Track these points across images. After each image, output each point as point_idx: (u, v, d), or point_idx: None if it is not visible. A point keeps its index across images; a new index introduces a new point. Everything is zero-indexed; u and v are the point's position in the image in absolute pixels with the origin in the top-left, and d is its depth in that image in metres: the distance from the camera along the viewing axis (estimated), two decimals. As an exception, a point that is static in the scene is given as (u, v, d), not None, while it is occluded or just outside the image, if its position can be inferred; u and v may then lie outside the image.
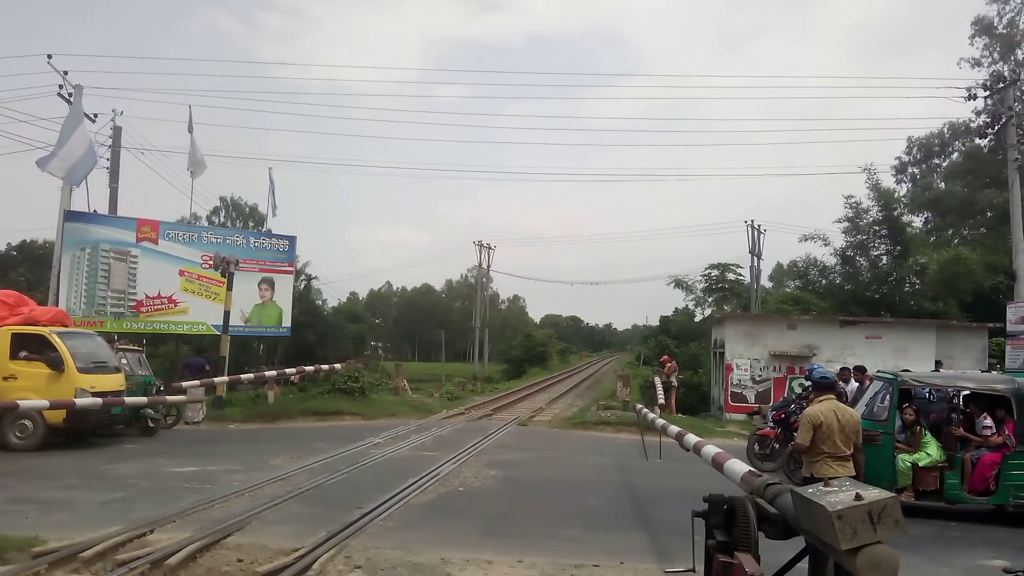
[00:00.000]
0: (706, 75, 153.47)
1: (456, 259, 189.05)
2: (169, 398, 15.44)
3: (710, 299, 41.77)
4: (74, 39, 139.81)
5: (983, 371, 16.89)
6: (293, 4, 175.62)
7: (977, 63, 35.94)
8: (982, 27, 35.89)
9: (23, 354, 12.89)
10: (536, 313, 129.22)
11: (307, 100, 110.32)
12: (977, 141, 32.26)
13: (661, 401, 18.55)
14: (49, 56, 20.22)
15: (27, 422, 12.40)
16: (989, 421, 9.27)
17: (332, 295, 66.79)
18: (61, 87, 20.71)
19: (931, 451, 9.15)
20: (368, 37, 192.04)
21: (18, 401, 11.50)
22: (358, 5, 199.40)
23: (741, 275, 40.19)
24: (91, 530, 6.70)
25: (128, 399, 13.69)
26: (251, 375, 20.74)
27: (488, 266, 54.98)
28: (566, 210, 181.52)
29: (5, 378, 12.67)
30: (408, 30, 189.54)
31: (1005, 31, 35.11)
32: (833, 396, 6.18)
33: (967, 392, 9.76)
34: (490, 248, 54.25)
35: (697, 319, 42.22)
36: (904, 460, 9.04)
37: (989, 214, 33.04)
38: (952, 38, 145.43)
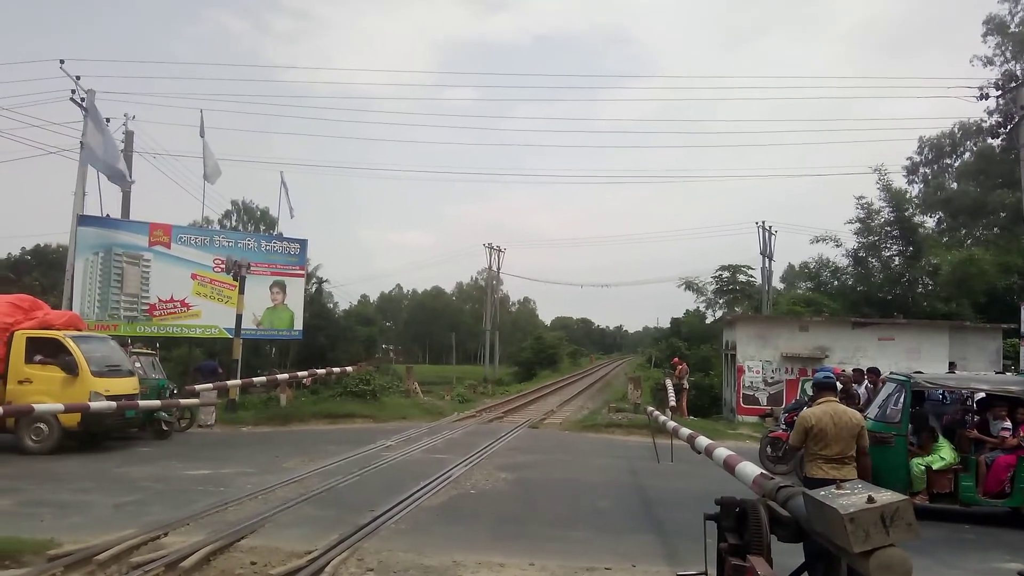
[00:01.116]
0: (715, 75, 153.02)
1: (466, 261, 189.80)
2: (182, 401, 15.54)
3: (721, 301, 41.58)
4: (81, 41, 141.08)
5: (997, 372, 16.77)
6: (301, 6, 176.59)
7: (989, 62, 35.75)
8: (995, 25, 35.65)
9: (38, 358, 12.98)
10: (546, 315, 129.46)
11: (316, 103, 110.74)
12: (989, 141, 32.03)
13: (672, 403, 18.51)
14: (62, 61, 20.42)
15: (42, 425, 12.47)
16: (1007, 423, 9.20)
17: (343, 298, 67.21)
18: (74, 92, 20.84)
19: (945, 454, 9.07)
20: (375, 39, 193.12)
21: (33, 405, 11.65)
22: (365, 6, 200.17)
23: (752, 277, 40.05)
24: (106, 533, 6.76)
25: (142, 402, 13.79)
26: (263, 378, 20.84)
27: (498, 268, 55.07)
28: (576, 212, 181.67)
29: (20, 382, 12.79)
30: (415, 32, 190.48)
31: (1018, 30, 34.86)
32: (834, 397, 6.06)
33: (981, 394, 9.69)
34: (500, 250, 54.33)
35: (708, 321, 42.11)
36: (918, 464, 8.98)
37: (1002, 214, 32.77)
38: (953, 38, 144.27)
